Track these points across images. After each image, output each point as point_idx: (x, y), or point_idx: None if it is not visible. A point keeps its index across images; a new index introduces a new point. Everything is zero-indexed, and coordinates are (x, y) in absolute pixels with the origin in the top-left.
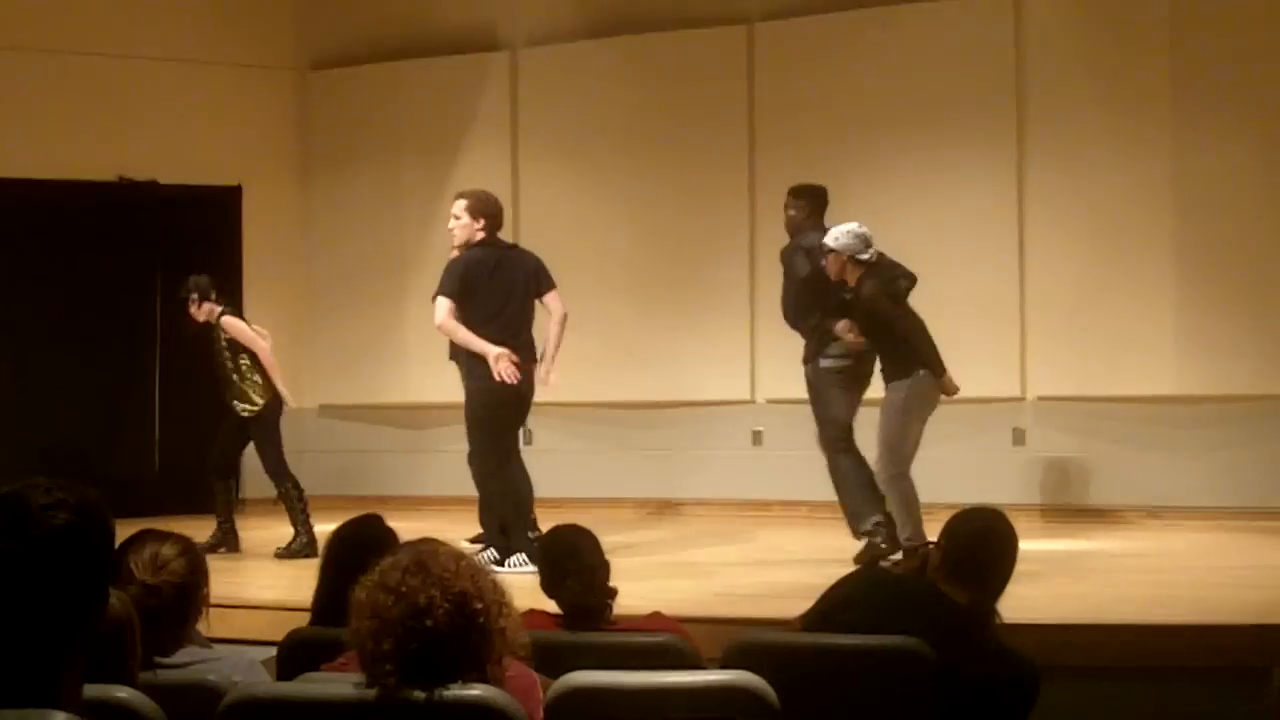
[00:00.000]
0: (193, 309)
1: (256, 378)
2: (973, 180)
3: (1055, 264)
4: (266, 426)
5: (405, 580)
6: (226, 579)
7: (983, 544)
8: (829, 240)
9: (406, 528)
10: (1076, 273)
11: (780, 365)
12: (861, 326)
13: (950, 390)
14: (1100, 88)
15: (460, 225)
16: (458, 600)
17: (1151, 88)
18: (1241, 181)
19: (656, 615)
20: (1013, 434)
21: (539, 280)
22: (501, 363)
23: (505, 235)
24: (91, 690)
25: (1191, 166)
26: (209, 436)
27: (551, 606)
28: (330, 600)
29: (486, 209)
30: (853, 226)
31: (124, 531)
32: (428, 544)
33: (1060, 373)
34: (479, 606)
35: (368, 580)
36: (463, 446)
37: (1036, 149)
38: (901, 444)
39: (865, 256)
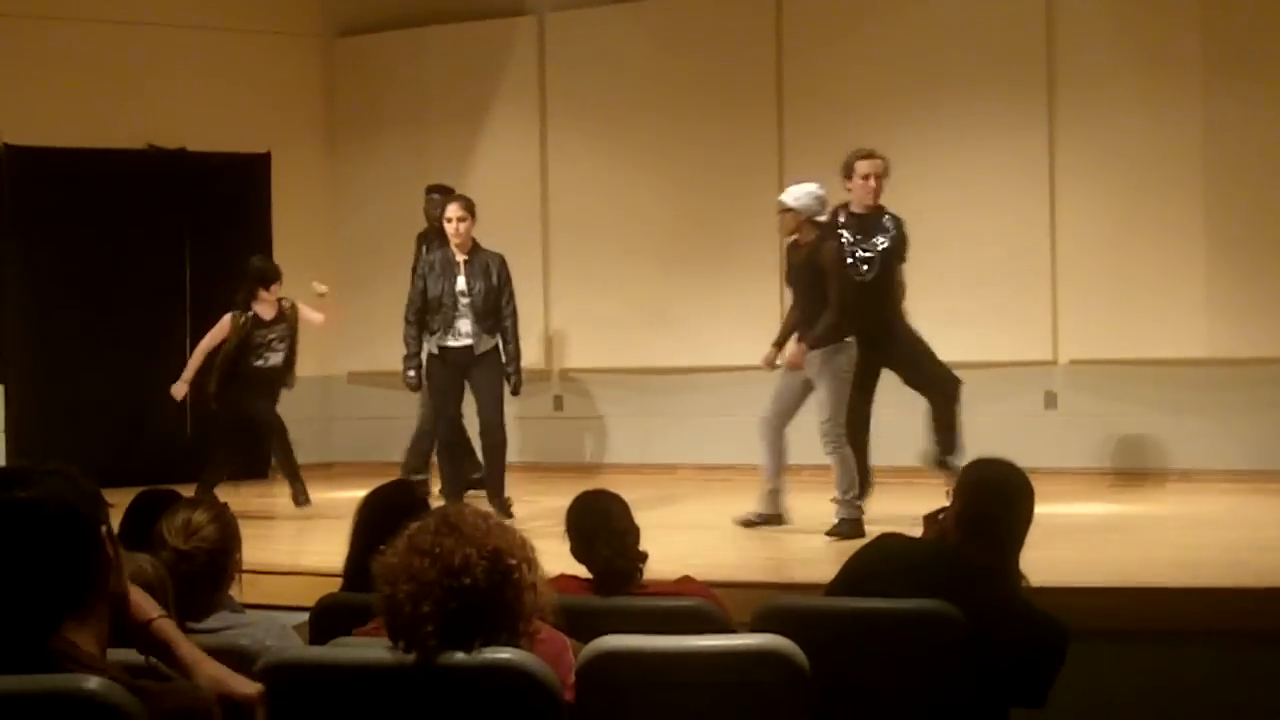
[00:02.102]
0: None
1: None
2: (1003, 145)
3: (1087, 228)
4: None
5: (439, 541)
6: (258, 545)
7: (994, 495)
8: (788, 199)
9: (434, 493)
10: (1108, 237)
11: None
12: (804, 282)
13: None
14: (1131, 52)
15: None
16: (493, 556)
17: (1182, 51)
18: (1273, 144)
19: (686, 580)
20: (1045, 397)
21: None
22: None
23: (532, 202)
24: (56, 681)
25: (1222, 130)
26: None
27: (582, 571)
28: (362, 565)
29: None
30: (812, 188)
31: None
32: (452, 506)
33: (1092, 336)
34: (513, 562)
35: (395, 547)
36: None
37: (1067, 113)
38: (845, 408)
39: (822, 218)
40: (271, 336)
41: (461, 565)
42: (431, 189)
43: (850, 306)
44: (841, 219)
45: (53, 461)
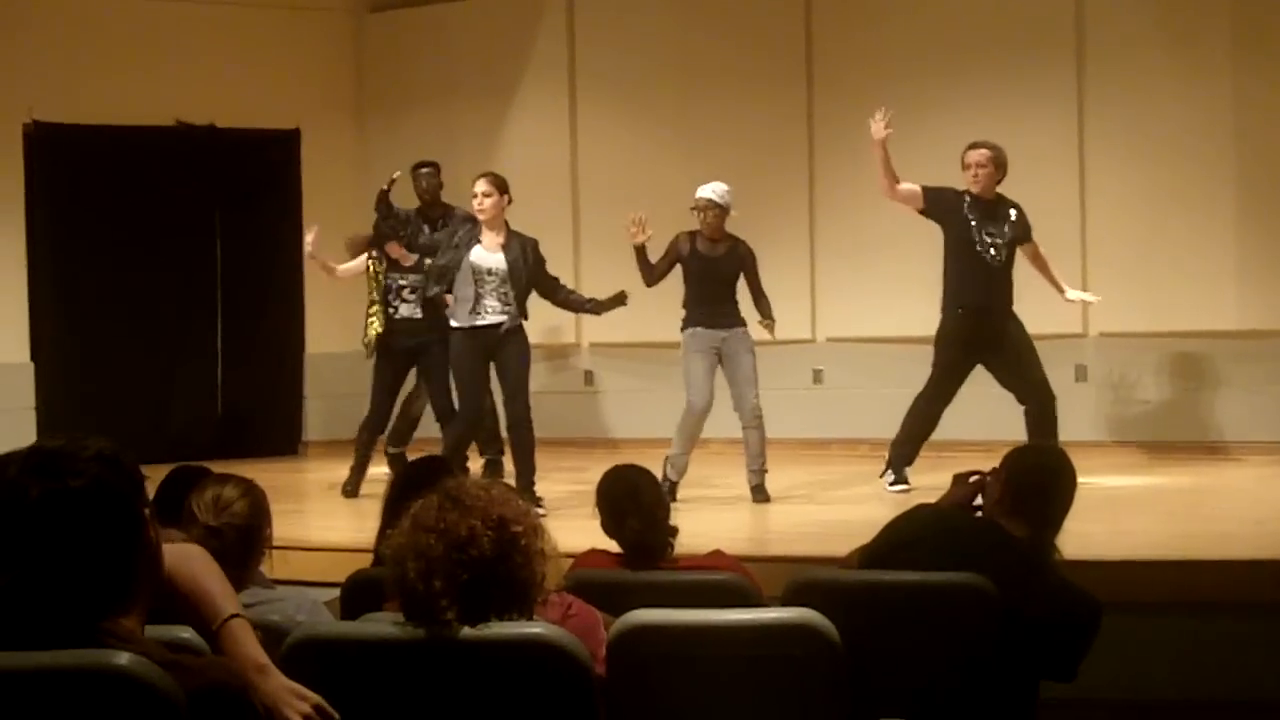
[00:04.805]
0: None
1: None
2: (1033, 115)
3: (1116, 200)
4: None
5: (443, 516)
6: (289, 520)
7: (1049, 479)
8: (717, 198)
9: (475, 467)
10: (1138, 208)
11: (840, 304)
12: (725, 275)
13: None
14: (1160, 26)
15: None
16: (498, 525)
17: (1212, 26)
18: None
19: (717, 553)
20: (1075, 370)
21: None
22: None
23: (563, 176)
24: (87, 656)
25: (1252, 104)
26: (269, 379)
27: (613, 546)
28: None
29: None
30: (727, 188)
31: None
32: (452, 480)
33: (1122, 308)
34: (518, 529)
35: (402, 526)
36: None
37: (1097, 88)
38: None
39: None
40: (403, 284)
41: (468, 537)
42: (421, 165)
43: (975, 290)
44: (967, 200)
45: (95, 438)
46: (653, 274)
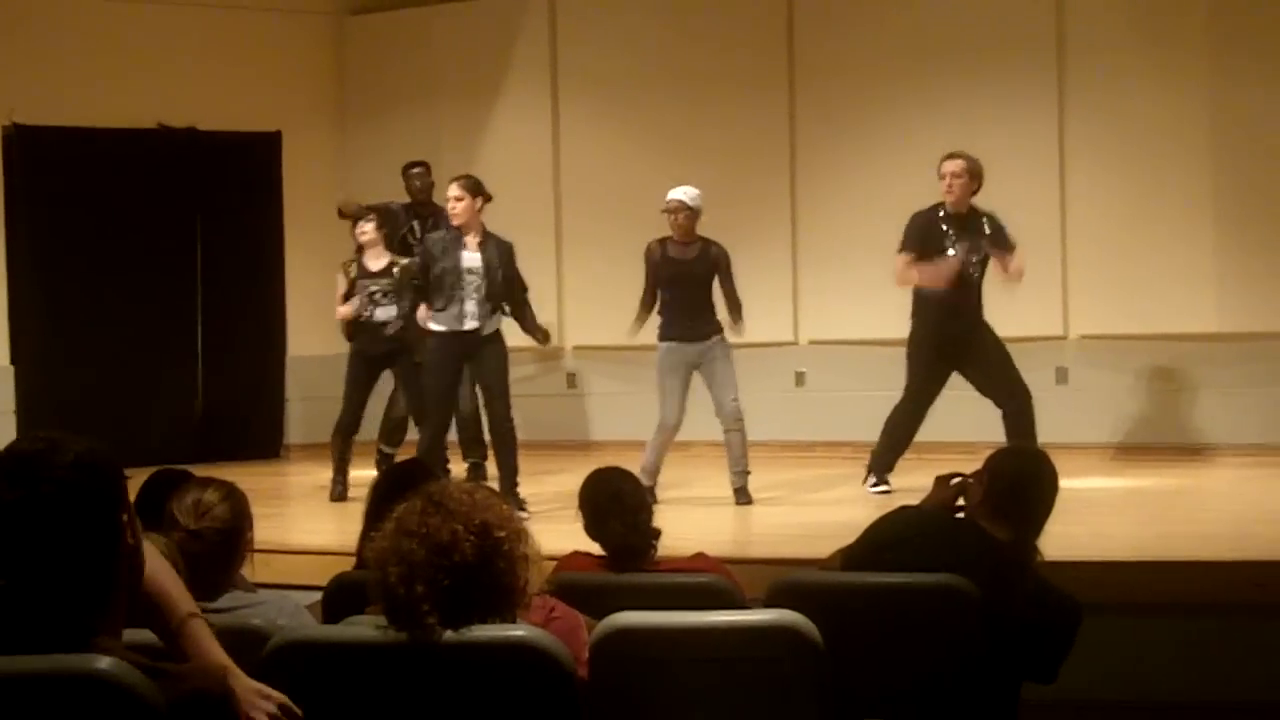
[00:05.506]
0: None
1: None
2: (1013, 118)
3: (1096, 202)
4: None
5: (425, 520)
6: (271, 524)
7: (1030, 482)
8: (689, 201)
9: (459, 471)
10: (1117, 211)
11: (822, 306)
12: (697, 278)
13: None
14: (1139, 29)
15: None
16: (480, 531)
17: (1190, 29)
18: None
19: (700, 556)
20: (1055, 373)
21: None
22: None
23: (545, 178)
24: (67, 661)
25: (1231, 102)
26: (251, 382)
27: (595, 548)
28: None
29: None
30: (698, 192)
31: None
32: (436, 483)
33: (1102, 311)
34: (501, 534)
35: (384, 530)
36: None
37: (1077, 86)
38: None
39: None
40: (374, 289)
41: (450, 542)
42: (412, 165)
43: (944, 302)
44: (941, 215)
45: (76, 439)
46: (645, 302)
